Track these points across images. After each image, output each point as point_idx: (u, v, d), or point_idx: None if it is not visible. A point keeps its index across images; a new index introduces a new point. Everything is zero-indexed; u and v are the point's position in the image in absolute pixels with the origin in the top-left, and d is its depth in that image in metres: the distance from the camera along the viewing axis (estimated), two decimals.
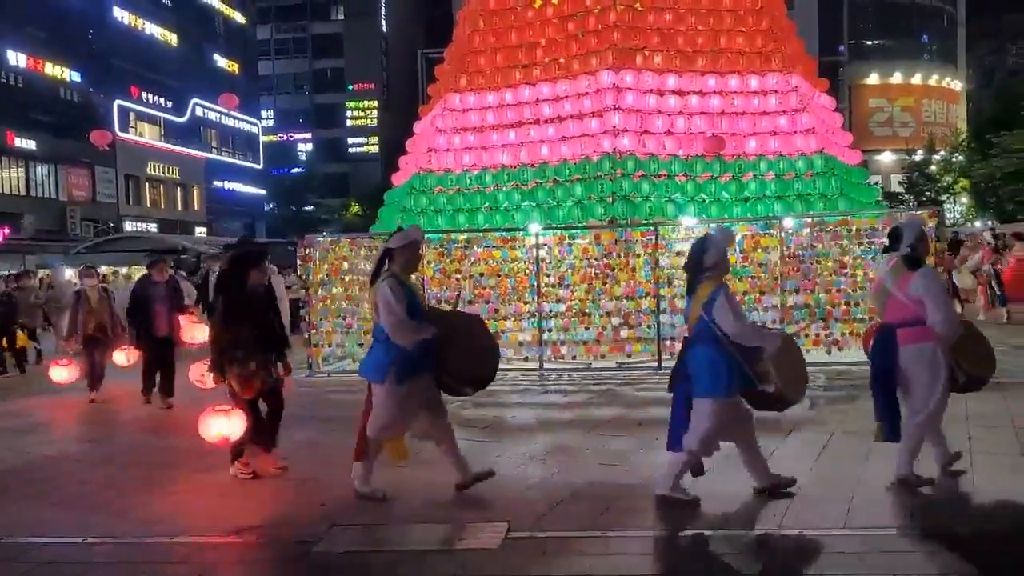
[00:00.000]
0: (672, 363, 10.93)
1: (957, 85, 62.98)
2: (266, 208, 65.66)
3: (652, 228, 11.35)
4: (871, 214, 12.08)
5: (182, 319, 9.88)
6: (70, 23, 43.10)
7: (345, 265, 12.08)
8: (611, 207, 13.08)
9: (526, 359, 11.22)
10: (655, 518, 5.11)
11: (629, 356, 11.15)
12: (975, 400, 6.69)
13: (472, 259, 11.64)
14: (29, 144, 40.85)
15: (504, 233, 12.01)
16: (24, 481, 6.61)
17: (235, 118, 60.32)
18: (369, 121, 74.29)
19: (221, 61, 60.76)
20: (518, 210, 13.75)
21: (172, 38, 54.05)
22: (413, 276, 5.90)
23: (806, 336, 10.62)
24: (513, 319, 11.38)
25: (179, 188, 54.01)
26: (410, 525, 5.23)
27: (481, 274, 11.60)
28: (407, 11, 77.59)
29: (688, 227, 11.63)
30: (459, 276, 11.58)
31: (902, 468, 5.40)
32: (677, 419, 5.31)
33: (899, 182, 51.27)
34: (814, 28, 50.20)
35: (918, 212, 12.02)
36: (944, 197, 47.67)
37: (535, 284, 11.31)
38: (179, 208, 53.77)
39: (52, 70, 42.48)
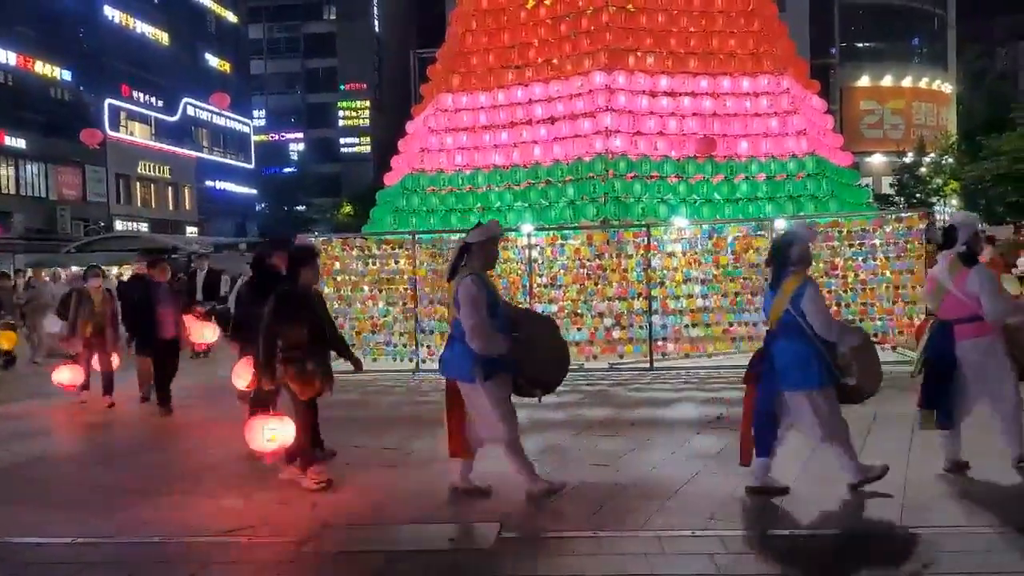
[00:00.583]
0: (664, 363, 11.01)
1: (947, 88, 63.26)
2: (258, 208, 65.48)
3: (644, 229, 11.37)
4: (861, 216, 12.13)
5: (187, 319, 9.63)
6: (61, 22, 42.94)
7: (337, 265, 12.06)
8: (603, 208, 13.10)
9: None
10: (647, 518, 5.12)
11: (621, 357, 11.18)
12: None
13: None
14: (19, 143, 40.66)
15: None
16: (18, 482, 6.58)
17: (227, 117, 60.20)
18: (361, 121, 74.22)
19: (213, 60, 60.61)
20: (510, 210, 13.76)
21: (163, 37, 53.89)
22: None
23: None
24: None
25: (170, 187, 53.82)
26: (402, 525, 5.23)
27: None
28: (400, 11, 77.53)
29: (680, 228, 11.66)
30: None
31: (1015, 450, 5.54)
32: (761, 423, 5.37)
33: (889, 184, 51.47)
34: (805, 30, 50.36)
35: (908, 214, 12.08)
36: (934, 199, 47.86)
37: (527, 284, 11.32)
38: (170, 208, 53.59)
39: (43, 69, 42.30)
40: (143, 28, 51.74)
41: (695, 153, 13.39)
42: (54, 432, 8.82)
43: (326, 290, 11.94)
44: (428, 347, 11.30)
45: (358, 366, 6.43)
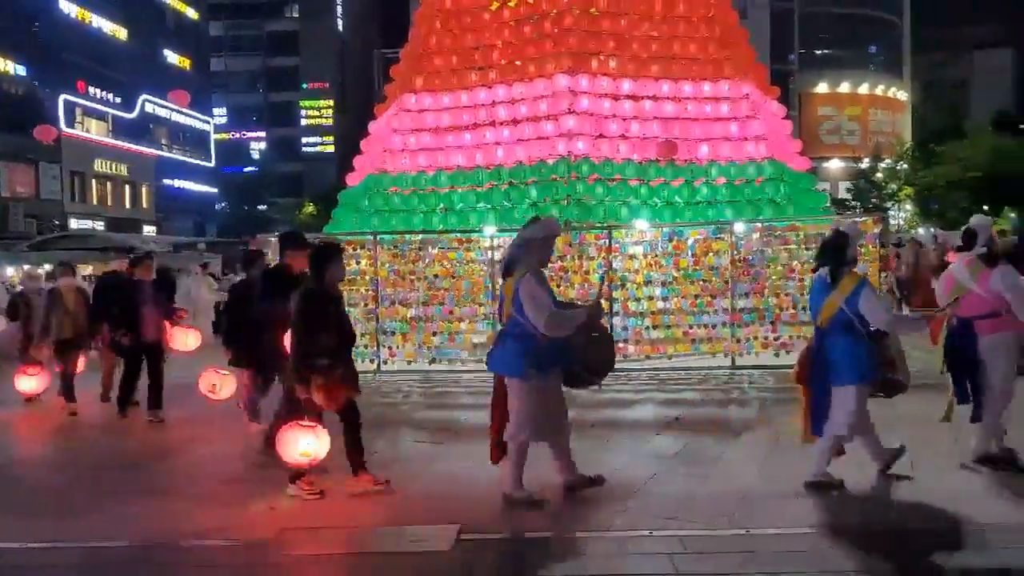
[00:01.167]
0: (625, 365, 11.08)
1: (903, 95, 64.66)
2: (218, 207, 64.57)
3: (606, 231, 11.45)
4: (819, 220, 12.34)
5: (169, 325, 9.05)
6: (15, 16, 41.92)
7: None
8: (566, 210, 13.14)
9: (481, 360, 11.20)
10: (607, 518, 5.16)
11: None
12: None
13: (427, 260, 11.61)
14: None
15: (459, 235, 12.01)
16: None
17: (186, 115, 59.25)
18: (324, 120, 73.65)
19: (172, 57, 59.63)
20: (473, 212, 13.75)
21: (121, 32, 52.88)
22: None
23: (755, 339, 10.83)
24: (468, 320, 11.37)
25: (127, 185, 52.84)
26: (361, 528, 5.21)
27: (436, 275, 11.56)
28: (363, 10, 77.10)
29: (641, 230, 11.76)
30: (413, 277, 11.54)
31: (979, 447, 5.91)
32: (817, 406, 5.59)
33: (846, 189, 52.48)
34: (766, 37, 51.21)
35: (862, 219, 12.31)
36: (889, 204, 48.91)
37: (490, 286, 11.33)
38: (127, 206, 52.60)
39: None
40: (100, 23, 50.71)
41: (657, 156, 13.50)
42: (11, 437, 8.62)
43: None
44: (389, 348, 11.25)
45: None
